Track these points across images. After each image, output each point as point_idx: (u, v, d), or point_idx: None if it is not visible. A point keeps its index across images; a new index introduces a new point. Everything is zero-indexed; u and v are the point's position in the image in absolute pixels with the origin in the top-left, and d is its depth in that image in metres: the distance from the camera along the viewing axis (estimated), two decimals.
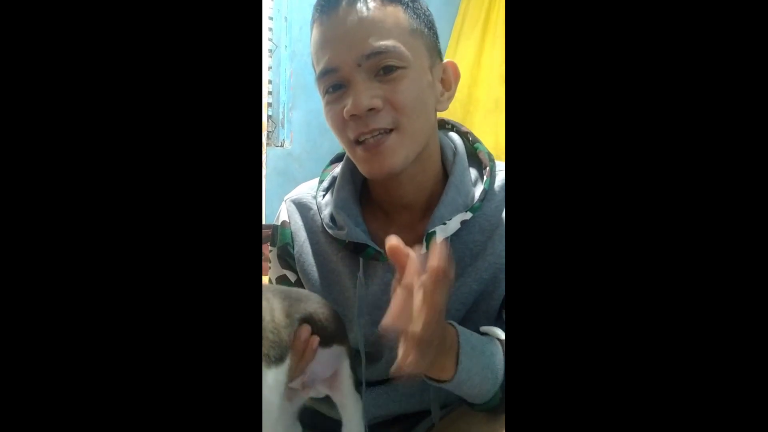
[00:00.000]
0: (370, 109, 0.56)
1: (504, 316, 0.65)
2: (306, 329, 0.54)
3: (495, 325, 0.63)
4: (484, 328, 0.61)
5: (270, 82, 1.79)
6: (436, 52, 0.63)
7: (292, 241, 0.70)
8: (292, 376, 0.53)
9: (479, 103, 2.02)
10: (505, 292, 0.62)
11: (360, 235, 0.63)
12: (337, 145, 0.66)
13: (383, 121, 0.57)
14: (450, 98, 0.65)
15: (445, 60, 0.66)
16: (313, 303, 0.58)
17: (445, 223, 0.61)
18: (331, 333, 0.58)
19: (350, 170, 0.68)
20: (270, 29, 1.76)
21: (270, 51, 1.77)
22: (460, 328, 0.55)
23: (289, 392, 0.58)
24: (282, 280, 0.74)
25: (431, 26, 0.63)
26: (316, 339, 0.55)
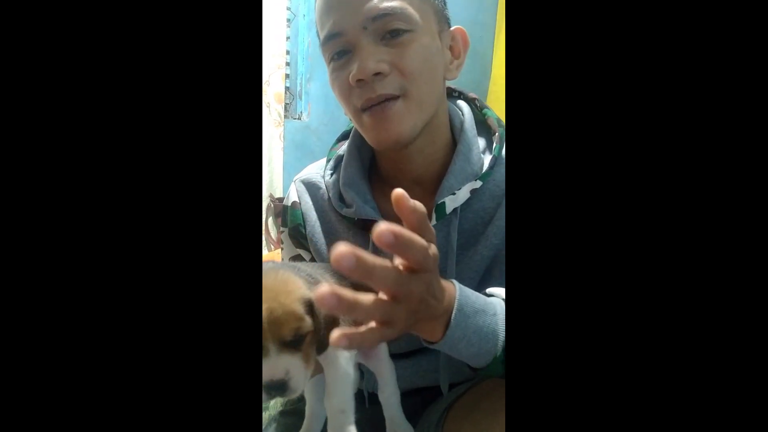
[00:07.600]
0: (377, 74, 0.54)
1: None
2: (329, 284, 0.46)
3: None
4: (490, 290, 0.55)
5: (288, 52, 1.75)
6: (444, 19, 0.61)
7: (304, 222, 0.70)
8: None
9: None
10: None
11: (369, 212, 0.62)
12: None
13: (390, 86, 0.55)
14: (459, 66, 0.62)
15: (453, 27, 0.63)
16: (329, 277, 0.54)
17: (454, 194, 0.59)
18: None
19: (357, 147, 0.67)
20: None
21: (288, 20, 1.73)
22: (460, 288, 0.48)
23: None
24: (296, 260, 0.73)
25: None
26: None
